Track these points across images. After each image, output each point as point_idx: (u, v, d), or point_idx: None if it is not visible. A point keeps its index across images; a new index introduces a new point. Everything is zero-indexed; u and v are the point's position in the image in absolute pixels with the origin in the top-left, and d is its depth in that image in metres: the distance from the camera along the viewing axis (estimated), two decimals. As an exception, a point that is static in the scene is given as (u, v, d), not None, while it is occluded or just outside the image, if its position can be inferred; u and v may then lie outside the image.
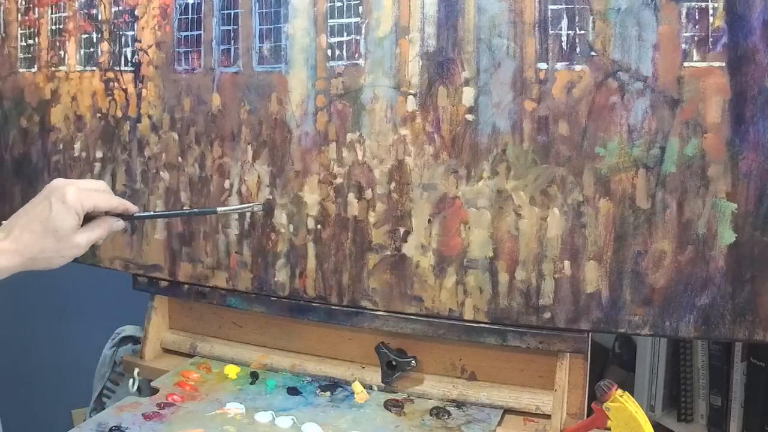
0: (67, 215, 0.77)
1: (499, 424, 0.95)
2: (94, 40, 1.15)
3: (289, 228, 1.04)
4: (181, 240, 1.12)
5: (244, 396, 1.01)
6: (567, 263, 0.89)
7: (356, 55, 0.96)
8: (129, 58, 1.12)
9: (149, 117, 1.11)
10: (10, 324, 1.82)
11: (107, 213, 0.84)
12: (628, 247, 0.86)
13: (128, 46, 1.12)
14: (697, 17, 0.80)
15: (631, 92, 0.83)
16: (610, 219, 0.86)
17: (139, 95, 1.12)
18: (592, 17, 0.84)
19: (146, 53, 1.10)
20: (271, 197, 1.02)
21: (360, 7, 0.95)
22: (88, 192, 0.81)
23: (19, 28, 1.22)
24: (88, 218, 0.81)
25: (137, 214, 0.89)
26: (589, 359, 0.94)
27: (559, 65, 0.86)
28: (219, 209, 0.99)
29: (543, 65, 0.87)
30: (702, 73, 0.81)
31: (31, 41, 1.21)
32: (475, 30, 0.89)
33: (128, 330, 1.28)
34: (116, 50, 1.13)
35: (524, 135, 0.89)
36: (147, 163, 1.12)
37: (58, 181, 0.80)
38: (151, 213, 1.02)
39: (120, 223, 0.86)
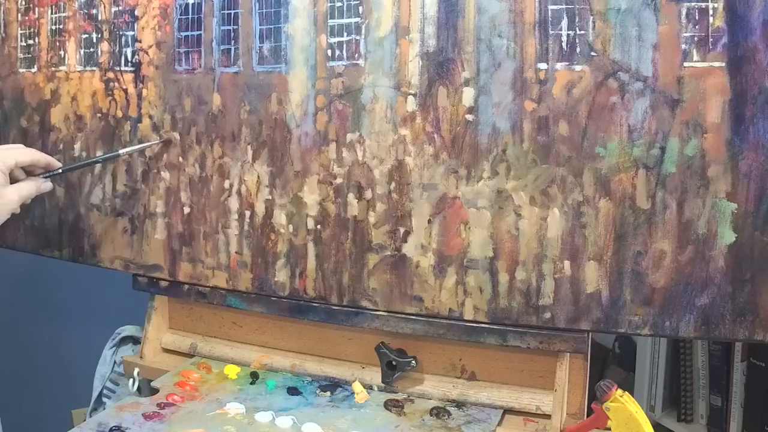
0: None
1: (499, 424, 0.95)
2: (94, 40, 1.15)
3: (288, 228, 1.04)
4: (181, 240, 1.12)
5: (244, 396, 1.01)
6: (567, 263, 0.89)
7: (356, 55, 0.96)
8: (129, 58, 1.12)
9: (150, 117, 1.11)
10: (10, 324, 1.82)
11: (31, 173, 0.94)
12: (628, 247, 0.86)
13: (128, 46, 1.12)
14: (697, 17, 0.80)
15: (631, 92, 0.83)
16: (610, 219, 0.86)
17: (139, 95, 1.12)
18: (592, 17, 0.84)
19: (146, 53, 1.10)
20: (172, 137, 1.10)
21: (360, 7, 0.95)
22: (7, 150, 0.91)
23: (19, 28, 1.22)
24: (15, 181, 0.92)
25: (62, 170, 0.99)
26: (589, 359, 0.94)
27: (559, 65, 0.86)
28: (121, 151, 1.09)
29: (543, 65, 0.87)
30: (702, 73, 0.81)
31: (31, 41, 1.21)
32: (475, 30, 0.89)
33: (128, 330, 1.27)
34: (116, 50, 1.13)
35: (524, 135, 0.89)
36: (148, 163, 1.12)
37: None
38: (71, 165, 1.11)
39: (48, 184, 0.97)
